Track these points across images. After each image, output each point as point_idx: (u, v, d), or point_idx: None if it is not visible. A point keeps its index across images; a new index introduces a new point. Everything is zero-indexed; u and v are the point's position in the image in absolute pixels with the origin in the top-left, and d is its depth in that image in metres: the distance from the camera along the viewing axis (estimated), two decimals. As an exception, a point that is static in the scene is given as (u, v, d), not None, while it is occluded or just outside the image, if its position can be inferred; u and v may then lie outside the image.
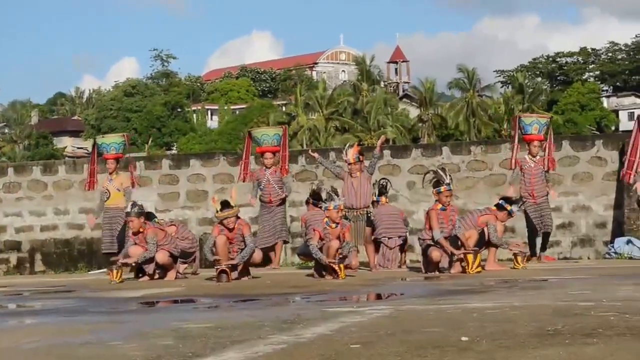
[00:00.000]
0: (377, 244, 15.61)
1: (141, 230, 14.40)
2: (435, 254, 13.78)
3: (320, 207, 14.86)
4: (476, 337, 6.34)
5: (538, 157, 16.33)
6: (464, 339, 6.29)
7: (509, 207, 14.61)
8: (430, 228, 13.94)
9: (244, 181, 17.99)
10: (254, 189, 17.22)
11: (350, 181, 15.58)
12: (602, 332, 6.40)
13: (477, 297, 9.80)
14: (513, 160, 16.53)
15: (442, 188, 14.03)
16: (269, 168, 17.04)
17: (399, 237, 15.69)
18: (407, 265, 15.96)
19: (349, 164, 15.67)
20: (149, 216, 15.18)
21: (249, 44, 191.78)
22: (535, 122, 16.69)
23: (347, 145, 16.81)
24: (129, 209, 14.60)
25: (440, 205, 14.05)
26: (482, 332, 6.58)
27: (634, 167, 15.63)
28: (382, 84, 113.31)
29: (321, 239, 13.76)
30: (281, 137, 17.44)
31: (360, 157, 15.70)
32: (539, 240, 16.51)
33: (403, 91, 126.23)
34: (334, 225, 13.84)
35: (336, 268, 13.30)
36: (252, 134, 17.90)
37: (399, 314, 8.23)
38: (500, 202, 14.78)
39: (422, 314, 8.13)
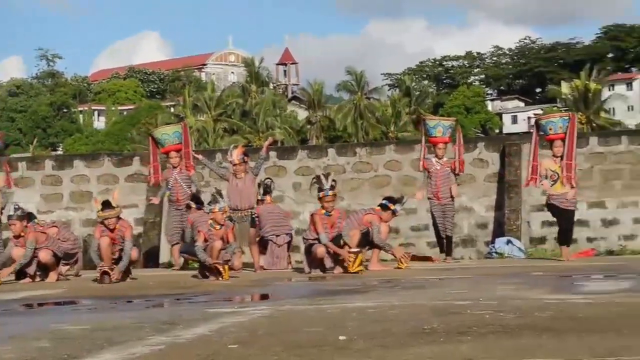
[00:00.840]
0: (262, 244, 15.62)
1: (22, 234, 14.17)
2: (320, 250, 13.88)
3: (203, 210, 14.83)
4: (354, 336, 6.40)
5: (444, 159, 16.52)
6: (341, 338, 6.35)
7: (392, 207, 14.76)
8: (316, 230, 14.03)
9: (155, 185, 17.78)
10: (162, 189, 17.11)
11: (235, 182, 15.56)
12: (477, 330, 6.53)
13: (358, 297, 9.89)
14: (421, 162, 16.73)
15: (321, 194, 14.15)
16: (176, 167, 16.89)
17: (287, 234, 15.74)
18: (292, 265, 16.00)
19: (234, 164, 15.63)
20: (29, 217, 14.92)
21: (137, 45, 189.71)
22: (439, 125, 16.89)
23: (232, 146, 16.80)
24: (11, 212, 14.34)
25: (324, 211, 14.14)
26: (360, 331, 6.66)
27: (538, 171, 15.94)
28: (271, 85, 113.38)
29: (206, 240, 13.74)
30: (182, 134, 17.28)
31: (245, 157, 15.68)
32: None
33: (292, 93, 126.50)
34: (218, 226, 13.82)
35: (220, 269, 13.28)
36: (154, 135, 17.73)
37: (279, 314, 8.26)
38: (384, 202, 14.92)
39: (302, 314, 8.18)
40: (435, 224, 16.52)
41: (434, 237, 17.38)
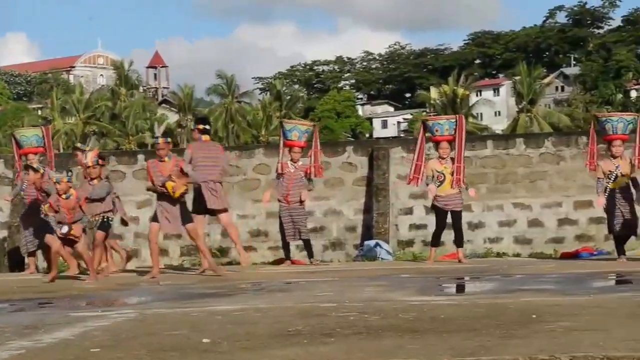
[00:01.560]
0: None
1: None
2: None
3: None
4: (218, 339, 6.38)
5: (299, 163, 16.56)
6: (205, 340, 6.32)
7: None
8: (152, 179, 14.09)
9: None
10: (16, 188, 16.79)
11: (87, 186, 15.23)
12: (341, 332, 6.57)
13: (225, 300, 9.86)
14: (279, 165, 16.72)
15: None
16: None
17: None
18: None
19: (87, 167, 15.31)
20: None
21: (3, 46, 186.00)
22: (295, 129, 16.89)
23: (88, 148, 16.66)
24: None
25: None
26: (224, 334, 6.64)
27: (421, 171, 16.10)
28: (140, 89, 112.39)
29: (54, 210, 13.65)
30: (42, 138, 16.91)
31: (100, 161, 15.39)
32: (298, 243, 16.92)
33: (162, 96, 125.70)
34: (64, 196, 13.66)
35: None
36: (15, 135, 17.39)
37: (144, 317, 8.17)
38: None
39: (167, 318, 8.11)
40: (281, 228, 16.60)
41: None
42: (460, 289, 11.61)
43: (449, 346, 5.80)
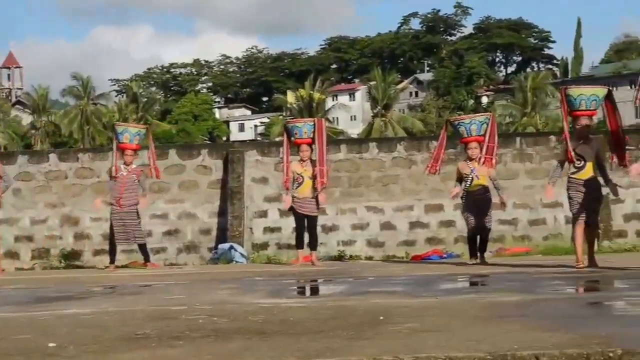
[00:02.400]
0: None
1: None
2: None
3: None
4: (64, 343, 6.29)
5: (133, 166, 16.50)
6: (51, 345, 6.23)
7: None
8: None
9: None
10: None
11: None
12: (189, 335, 6.56)
13: (74, 303, 9.72)
14: (114, 168, 16.61)
15: None
16: None
17: None
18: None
19: None
20: None
21: None
22: (125, 132, 16.84)
23: None
24: None
25: None
26: (71, 338, 6.55)
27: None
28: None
29: None
30: None
31: None
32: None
33: (16, 97, 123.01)
34: None
35: None
36: None
37: (-11, 322, 8.00)
38: None
39: (12, 322, 7.95)
40: (112, 232, 16.54)
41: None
42: (311, 291, 11.70)
43: (296, 348, 5.85)
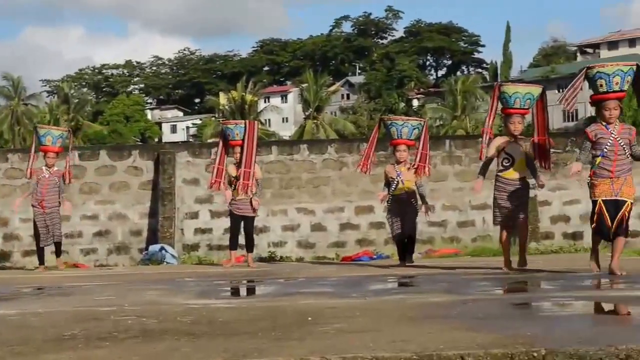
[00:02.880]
0: None
1: None
2: None
3: None
4: (-10, 344, 6.25)
5: (54, 168, 16.46)
6: (-24, 346, 6.19)
7: None
8: None
9: None
10: None
11: None
12: (117, 336, 6.55)
13: (3, 304, 9.64)
14: (29, 171, 16.57)
15: None
16: None
17: None
18: None
19: None
20: None
21: None
22: (48, 134, 16.81)
23: None
24: None
25: None
26: (-2, 339, 6.51)
27: (223, 175, 16.18)
28: None
29: None
30: None
31: None
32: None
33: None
34: None
35: None
36: None
37: None
38: None
39: (-62, 324, 7.87)
40: (36, 233, 16.49)
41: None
42: (241, 292, 11.72)
43: (223, 348, 5.87)
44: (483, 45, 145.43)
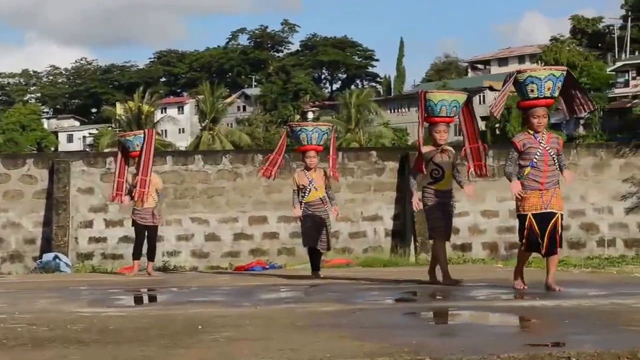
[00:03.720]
0: None
1: None
2: None
3: None
4: None
5: None
6: None
7: None
8: None
9: None
10: None
11: None
12: (6, 343, 6.53)
13: None
14: None
15: None
16: None
17: None
18: None
19: None
20: None
21: None
22: None
23: None
24: None
25: None
26: None
27: (123, 188, 16.07)
28: None
29: None
30: None
31: None
32: None
33: None
34: None
35: None
36: None
37: None
38: None
39: None
40: None
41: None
42: (134, 300, 11.71)
43: (112, 356, 5.91)
44: (377, 60, 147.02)
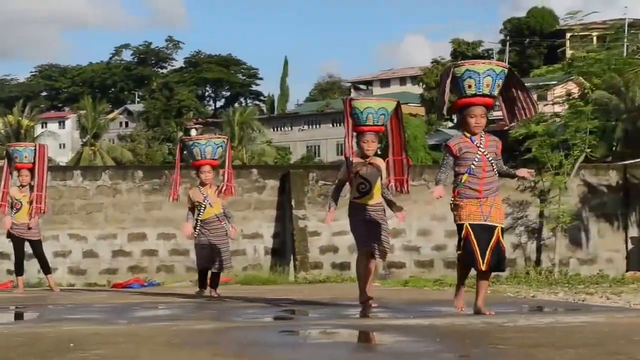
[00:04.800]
0: None
1: None
2: None
3: None
4: None
5: None
6: None
7: None
8: None
9: None
10: None
11: None
12: None
13: None
14: None
15: None
16: None
17: None
18: None
19: None
20: None
21: None
22: None
23: None
24: None
25: None
26: None
27: (6, 199, 15.77)
28: None
29: None
30: None
31: None
32: None
33: None
34: None
35: None
36: None
37: None
38: None
39: None
40: None
41: None
42: (5, 318, 11.47)
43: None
44: (261, 78, 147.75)
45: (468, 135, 9.48)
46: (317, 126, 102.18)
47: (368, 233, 10.92)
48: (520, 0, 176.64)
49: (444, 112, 9.85)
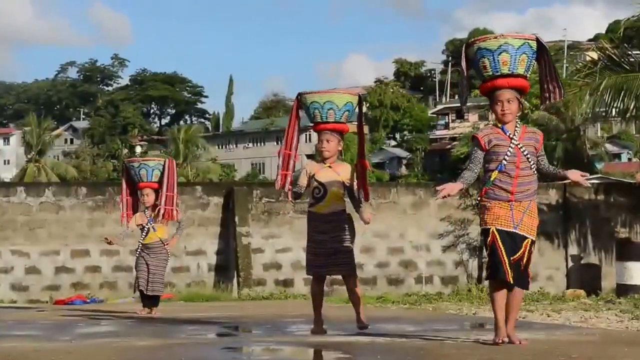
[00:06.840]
0: None
1: None
2: None
3: None
4: None
5: None
6: None
7: None
8: None
9: None
10: None
11: None
12: None
13: None
14: None
15: None
16: None
17: None
18: None
19: None
20: None
21: None
22: None
23: None
24: None
25: None
26: None
27: None
28: None
29: None
30: None
31: None
32: None
33: None
34: None
35: None
36: None
37: None
38: None
39: None
40: None
41: None
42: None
43: None
44: (206, 96, 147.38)
45: (500, 125, 7.98)
46: (262, 144, 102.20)
47: (317, 252, 9.62)
48: (461, 21, 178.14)
49: (463, 104, 9.14)
